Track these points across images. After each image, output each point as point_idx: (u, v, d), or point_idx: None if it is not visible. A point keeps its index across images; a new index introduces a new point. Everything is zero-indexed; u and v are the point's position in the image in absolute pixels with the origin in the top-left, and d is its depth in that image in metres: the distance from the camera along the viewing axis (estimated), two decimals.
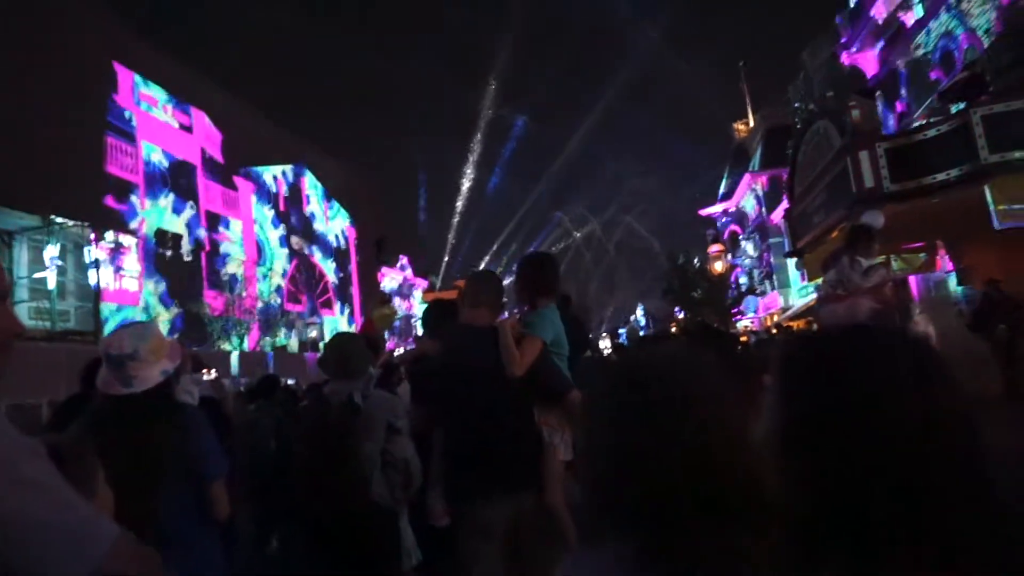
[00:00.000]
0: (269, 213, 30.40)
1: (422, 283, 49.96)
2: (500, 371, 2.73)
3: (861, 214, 10.32)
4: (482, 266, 46.97)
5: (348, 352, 3.68)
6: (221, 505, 2.47)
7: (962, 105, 10.48)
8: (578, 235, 68.12)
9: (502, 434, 2.70)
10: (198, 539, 2.40)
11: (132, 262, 20.24)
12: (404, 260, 46.53)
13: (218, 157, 26.30)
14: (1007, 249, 9.94)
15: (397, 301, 38.37)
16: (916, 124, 12.95)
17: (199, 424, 2.46)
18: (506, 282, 3.94)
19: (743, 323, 27.85)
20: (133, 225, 20.52)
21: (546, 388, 2.87)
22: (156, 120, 23.22)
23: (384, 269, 41.99)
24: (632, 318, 63.01)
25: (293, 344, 28.85)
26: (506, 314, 3.27)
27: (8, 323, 1.25)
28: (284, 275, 30.40)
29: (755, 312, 28.06)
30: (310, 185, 34.55)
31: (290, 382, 11.37)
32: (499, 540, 2.67)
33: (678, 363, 0.92)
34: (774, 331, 16.67)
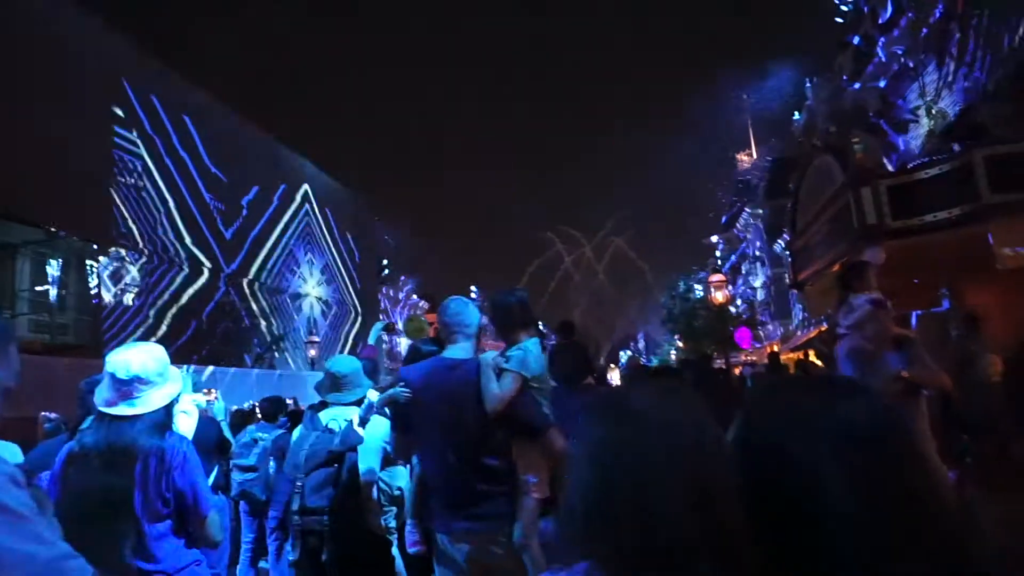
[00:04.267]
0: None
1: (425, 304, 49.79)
2: (478, 406, 2.72)
3: (863, 249, 10.38)
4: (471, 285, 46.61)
5: (346, 377, 3.68)
6: (211, 538, 2.41)
7: (963, 145, 10.56)
8: (568, 259, 67.46)
9: (475, 469, 2.69)
10: (185, 565, 2.34)
11: (134, 276, 20.29)
12: (403, 277, 46.20)
13: (221, 176, 26.29)
14: (1009, 291, 9.94)
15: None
16: (918, 162, 13.02)
17: (190, 464, 2.35)
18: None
19: (744, 354, 27.72)
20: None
21: (525, 424, 2.84)
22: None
23: (385, 288, 41.92)
24: (632, 345, 62.76)
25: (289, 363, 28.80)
26: (487, 346, 3.28)
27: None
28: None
29: (759, 344, 27.97)
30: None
31: (288, 401, 11.33)
32: (469, 573, 2.66)
33: (668, 398, 0.92)
34: (765, 362, 16.59)
